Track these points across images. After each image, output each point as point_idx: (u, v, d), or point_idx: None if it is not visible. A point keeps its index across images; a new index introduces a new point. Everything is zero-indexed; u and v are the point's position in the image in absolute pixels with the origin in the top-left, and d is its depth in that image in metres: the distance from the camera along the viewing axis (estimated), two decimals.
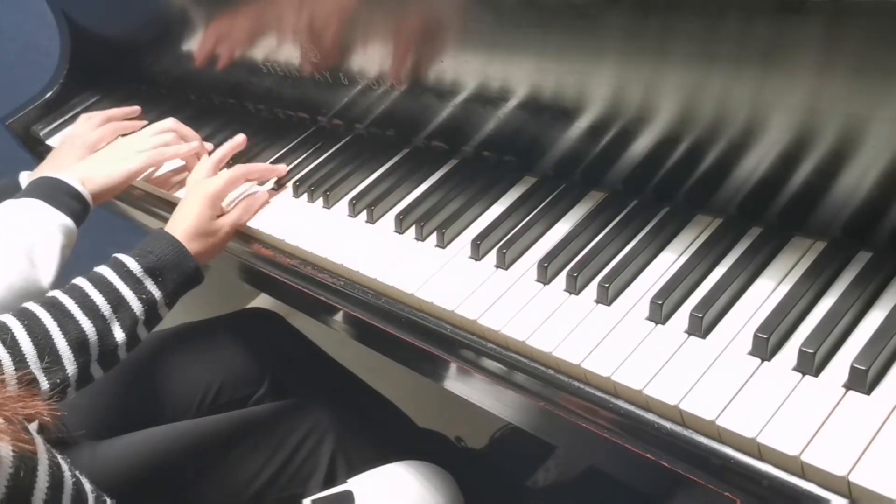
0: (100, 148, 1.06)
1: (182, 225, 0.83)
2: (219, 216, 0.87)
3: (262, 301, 1.64)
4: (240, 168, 0.93)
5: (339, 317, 0.81)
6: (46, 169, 1.01)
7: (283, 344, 1.08)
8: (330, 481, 0.87)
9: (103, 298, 0.73)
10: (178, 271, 0.79)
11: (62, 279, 0.79)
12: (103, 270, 0.75)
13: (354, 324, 0.79)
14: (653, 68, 0.66)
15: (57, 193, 0.84)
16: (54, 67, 1.39)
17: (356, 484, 0.85)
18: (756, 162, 0.65)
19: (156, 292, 0.77)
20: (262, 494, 0.85)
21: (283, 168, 0.98)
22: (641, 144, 0.71)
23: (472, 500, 0.90)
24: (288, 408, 0.93)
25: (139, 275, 0.76)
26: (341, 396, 0.99)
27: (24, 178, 1.01)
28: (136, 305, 0.75)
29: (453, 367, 0.70)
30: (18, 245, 0.78)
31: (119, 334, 0.73)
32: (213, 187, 0.87)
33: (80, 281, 0.74)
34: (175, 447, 0.87)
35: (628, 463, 0.59)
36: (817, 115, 0.59)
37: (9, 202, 0.83)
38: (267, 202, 0.94)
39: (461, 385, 0.70)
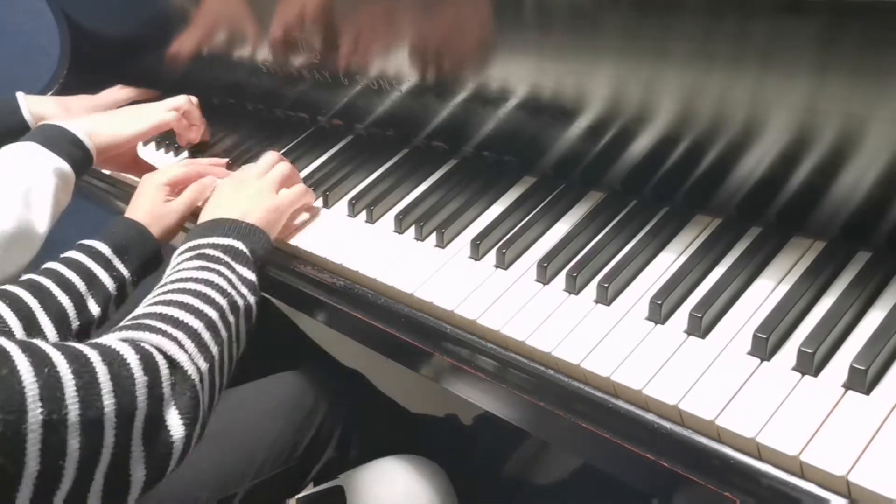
0: (108, 102, 1.17)
1: (138, 210, 0.85)
2: (169, 201, 0.88)
3: None
4: (193, 166, 0.94)
5: (338, 316, 0.81)
6: (51, 104, 1.08)
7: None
8: (342, 458, 0.88)
9: (77, 276, 0.74)
10: (141, 249, 0.81)
11: (47, 255, 0.80)
12: (73, 254, 0.77)
13: (354, 324, 0.79)
14: (652, 68, 0.66)
15: (58, 139, 0.86)
16: (54, 67, 1.39)
17: (347, 479, 0.85)
18: (755, 162, 0.65)
19: (124, 270, 0.79)
20: (269, 467, 0.85)
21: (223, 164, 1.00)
22: (641, 144, 0.71)
23: (467, 491, 0.90)
24: (300, 376, 0.93)
25: (108, 255, 0.78)
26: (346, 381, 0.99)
27: (21, 97, 1.06)
28: (107, 282, 0.76)
29: (453, 367, 0.70)
30: (14, 188, 0.79)
31: (94, 308, 0.75)
32: (163, 177, 0.89)
33: (53, 264, 0.76)
34: None
35: (628, 463, 0.59)
36: (816, 115, 0.59)
37: (7, 147, 0.85)
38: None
39: (461, 384, 0.70)
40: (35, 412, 0.46)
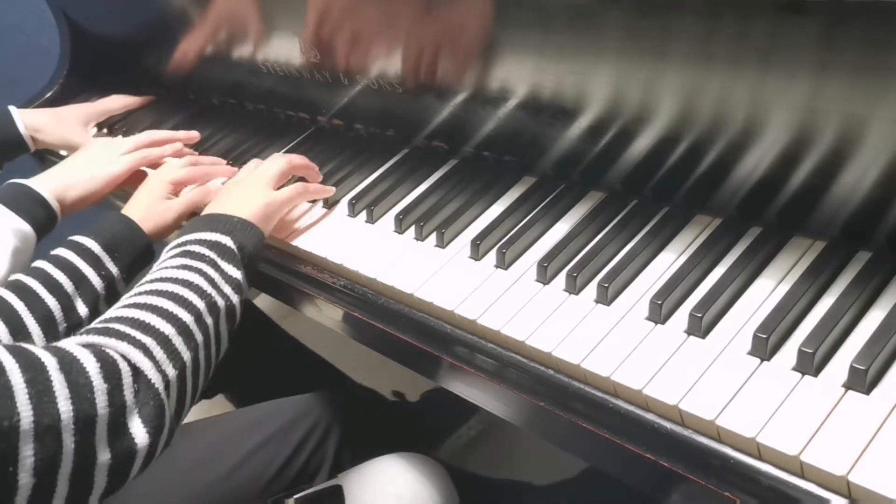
0: (102, 111, 1.18)
1: (135, 204, 0.85)
2: (169, 199, 0.88)
3: (262, 301, 1.65)
4: (200, 168, 0.94)
5: (338, 317, 0.81)
6: (43, 115, 1.09)
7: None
8: (337, 473, 0.88)
9: (65, 276, 0.74)
10: (131, 247, 0.80)
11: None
12: (62, 252, 0.76)
13: (354, 324, 0.79)
14: (652, 68, 0.66)
15: (21, 199, 0.85)
16: (54, 67, 1.39)
17: (345, 478, 0.85)
18: (755, 162, 0.65)
19: (113, 269, 0.78)
20: (269, 491, 0.85)
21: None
22: (641, 144, 0.71)
23: (468, 490, 0.90)
24: (290, 403, 0.93)
25: (97, 252, 0.77)
26: (338, 388, 1.00)
27: (15, 111, 1.06)
28: (96, 281, 0.76)
29: (453, 366, 0.70)
30: None
31: (83, 309, 0.74)
32: (168, 175, 0.89)
33: (41, 263, 0.75)
34: (179, 448, 0.87)
35: (628, 463, 0.59)
36: (817, 114, 0.59)
37: None
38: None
39: (461, 384, 0.70)
40: None
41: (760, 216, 0.68)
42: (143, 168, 0.97)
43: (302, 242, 0.85)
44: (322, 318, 0.84)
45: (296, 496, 0.83)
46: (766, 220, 0.68)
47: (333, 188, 0.91)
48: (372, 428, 0.97)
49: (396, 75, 0.88)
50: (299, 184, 0.87)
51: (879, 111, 0.56)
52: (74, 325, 0.73)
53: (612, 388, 0.59)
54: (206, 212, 0.79)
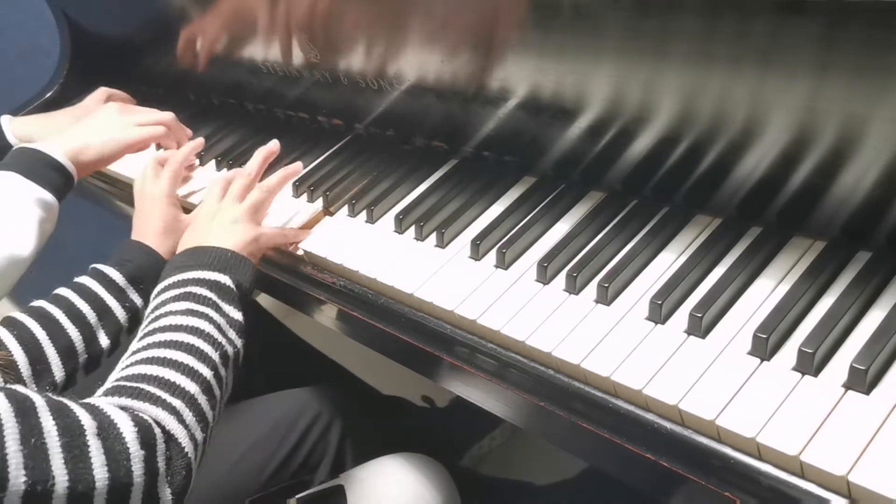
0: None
1: (150, 230, 0.82)
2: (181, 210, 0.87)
3: (262, 301, 1.64)
4: (176, 158, 0.90)
5: (338, 317, 0.81)
6: (37, 125, 1.02)
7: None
8: (339, 468, 0.88)
9: (89, 307, 0.73)
10: (155, 278, 0.78)
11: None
12: (86, 281, 0.76)
13: (354, 324, 0.79)
14: (652, 68, 0.66)
15: (37, 166, 0.83)
16: (54, 67, 1.39)
17: (347, 478, 0.85)
18: (755, 162, 0.65)
19: (138, 300, 0.78)
20: (270, 484, 0.85)
21: (200, 141, 0.99)
22: (641, 144, 0.71)
23: (469, 491, 0.90)
24: (292, 396, 0.93)
25: (122, 284, 0.77)
26: (341, 384, 1.00)
27: (6, 121, 1.01)
28: (120, 313, 0.76)
29: (453, 366, 0.70)
30: None
31: (104, 341, 0.74)
32: (164, 186, 0.86)
33: (64, 291, 0.74)
34: None
35: (628, 463, 0.59)
36: (817, 114, 0.59)
37: None
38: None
39: (460, 385, 0.70)
40: (17, 481, 0.45)
41: (760, 216, 0.68)
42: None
43: (302, 242, 0.85)
44: (322, 318, 0.84)
45: (298, 496, 0.83)
46: (766, 220, 0.68)
47: (307, 231, 0.88)
48: (374, 423, 0.97)
49: (396, 75, 0.88)
50: (287, 230, 0.86)
51: (879, 111, 0.56)
52: (94, 356, 0.73)
53: (612, 388, 0.59)
54: (191, 241, 0.78)
